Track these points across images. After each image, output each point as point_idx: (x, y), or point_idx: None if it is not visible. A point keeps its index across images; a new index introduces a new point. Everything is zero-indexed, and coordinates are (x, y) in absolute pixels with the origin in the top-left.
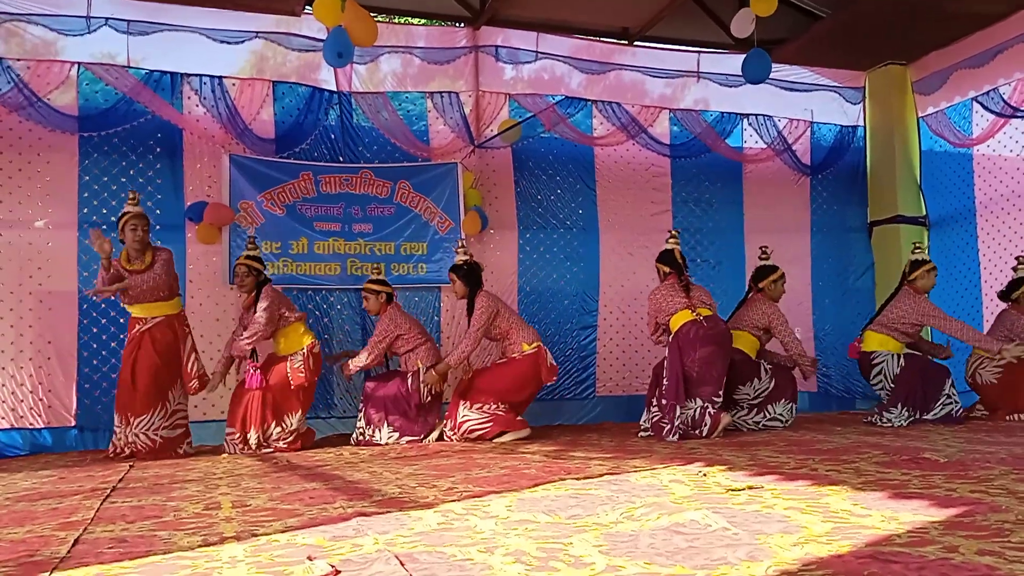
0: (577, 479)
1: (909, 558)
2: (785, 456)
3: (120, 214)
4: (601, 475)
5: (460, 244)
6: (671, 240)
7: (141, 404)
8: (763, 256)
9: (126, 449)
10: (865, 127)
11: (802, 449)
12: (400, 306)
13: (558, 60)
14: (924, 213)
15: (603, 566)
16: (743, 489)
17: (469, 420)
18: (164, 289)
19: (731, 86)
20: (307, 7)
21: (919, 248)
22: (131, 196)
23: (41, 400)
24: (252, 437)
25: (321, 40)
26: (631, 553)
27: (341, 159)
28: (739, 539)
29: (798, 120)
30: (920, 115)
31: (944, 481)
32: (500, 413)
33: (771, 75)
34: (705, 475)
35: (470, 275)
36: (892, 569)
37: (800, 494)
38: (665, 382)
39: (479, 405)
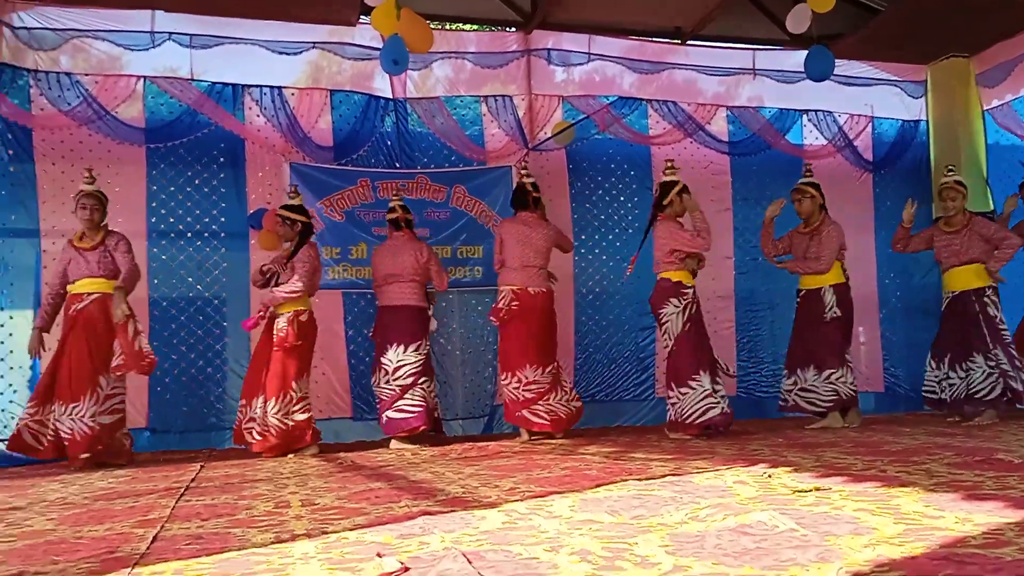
0: (639, 480)
1: (985, 560)
2: (852, 457)
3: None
4: (663, 476)
5: (523, 165)
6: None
7: (75, 389)
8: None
9: (47, 438)
10: (928, 121)
11: (870, 450)
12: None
13: (610, 61)
14: (991, 208)
15: (670, 566)
16: (810, 490)
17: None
18: (100, 270)
19: (788, 82)
20: (362, 17)
21: (953, 168)
22: (86, 174)
23: None
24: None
25: (375, 48)
26: (698, 553)
27: (397, 165)
28: (808, 540)
29: (858, 115)
30: (985, 108)
31: (1019, 482)
32: (507, 395)
33: None
34: (770, 476)
35: (512, 196)
36: (968, 571)
37: (869, 495)
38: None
39: (507, 375)
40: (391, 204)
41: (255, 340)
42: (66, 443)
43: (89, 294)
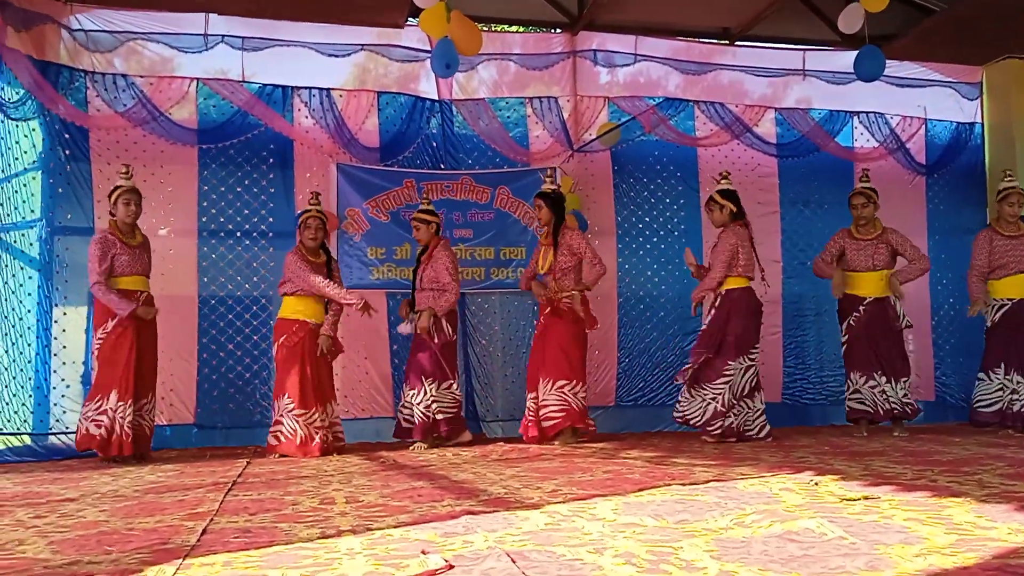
0: (683, 485)
1: None
2: (901, 467)
3: (113, 187)
4: (707, 481)
5: (548, 173)
6: None
7: (148, 383)
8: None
9: (123, 434)
10: (983, 124)
11: (919, 460)
12: (448, 241)
13: (656, 62)
14: None
15: (716, 571)
16: (859, 499)
17: (548, 404)
18: (149, 269)
19: (839, 83)
20: (410, 19)
21: (1011, 173)
22: (123, 169)
23: (163, 399)
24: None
25: (422, 50)
26: (744, 559)
27: (442, 166)
28: (857, 548)
29: (911, 117)
30: None
31: None
32: (572, 403)
33: None
34: (817, 484)
35: (557, 203)
36: None
37: (920, 505)
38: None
39: (561, 384)
40: (429, 207)
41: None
42: (130, 436)
43: (142, 292)
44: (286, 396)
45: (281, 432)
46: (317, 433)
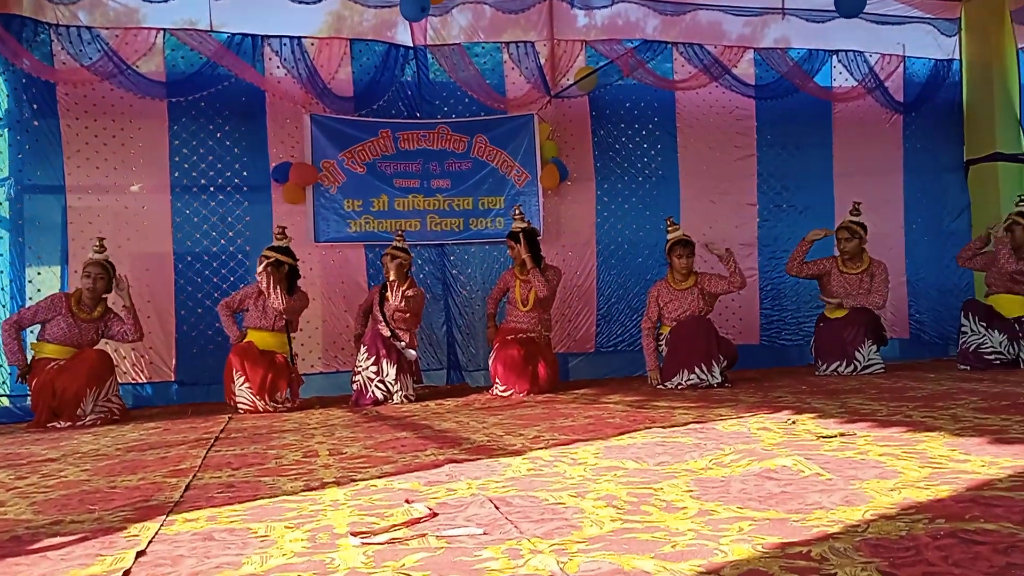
0: (663, 427)
1: (1012, 502)
2: (877, 403)
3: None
4: (687, 423)
5: (517, 210)
6: None
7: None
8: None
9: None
10: (961, 61)
11: (895, 396)
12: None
13: (634, 3)
14: None
15: (695, 510)
16: (835, 436)
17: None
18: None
19: (818, 22)
20: None
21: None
22: (96, 243)
23: (143, 357)
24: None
25: None
26: (723, 498)
27: (418, 115)
28: (833, 484)
29: (890, 55)
30: (1020, 47)
31: None
32: None
33: None
34: (794, 423)
35: (531, 239)
36: (994, 513)
37: (895, 440)
38: None
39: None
40: (404, 243)
41: None
42: None
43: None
44: None
45: None
46: None
